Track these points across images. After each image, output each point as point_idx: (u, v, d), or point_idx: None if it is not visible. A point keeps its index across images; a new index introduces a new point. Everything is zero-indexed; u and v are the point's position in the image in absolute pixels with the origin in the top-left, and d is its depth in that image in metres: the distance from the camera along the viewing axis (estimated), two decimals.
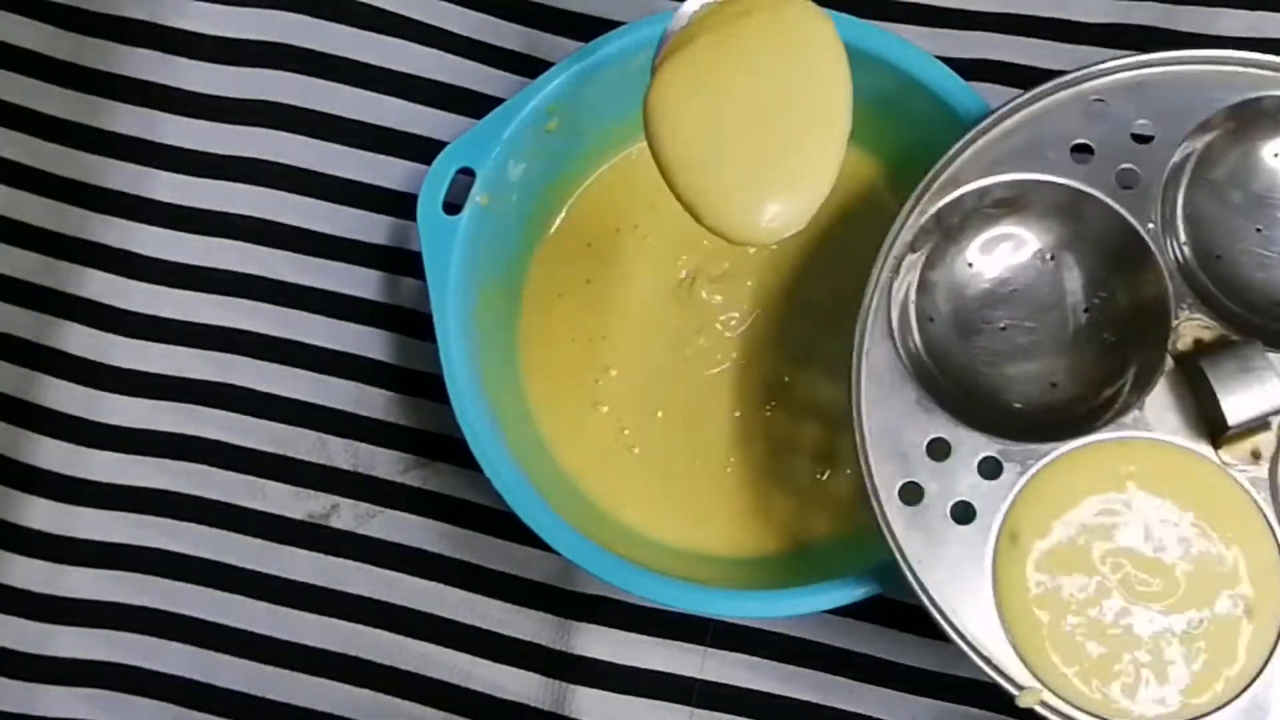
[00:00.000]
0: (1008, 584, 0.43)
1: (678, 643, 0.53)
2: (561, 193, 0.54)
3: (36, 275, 0.57)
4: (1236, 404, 0.42)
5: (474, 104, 0.56)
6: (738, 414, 0.53)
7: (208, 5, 0.57)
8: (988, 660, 0.42)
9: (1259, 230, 0.47)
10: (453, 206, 0.49)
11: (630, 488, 0.52)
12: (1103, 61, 0.46)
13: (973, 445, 0.44)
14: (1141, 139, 0.46)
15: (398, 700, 0.53)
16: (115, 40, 0.58)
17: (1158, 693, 0.42)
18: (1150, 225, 0.45)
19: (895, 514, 0.43)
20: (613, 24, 0.51)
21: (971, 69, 0.54)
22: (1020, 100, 0.46)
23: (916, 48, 0.49)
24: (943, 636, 0.43)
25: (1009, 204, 0.47)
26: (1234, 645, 0.42)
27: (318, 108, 0.57)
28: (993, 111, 0.46)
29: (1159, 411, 0.44)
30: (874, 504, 0.44)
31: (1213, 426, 0.43)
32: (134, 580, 0.54)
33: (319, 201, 0.56)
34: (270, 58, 0.57)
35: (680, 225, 0.53)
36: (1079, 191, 0.45)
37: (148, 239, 0.56)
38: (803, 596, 0.47)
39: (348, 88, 0.57)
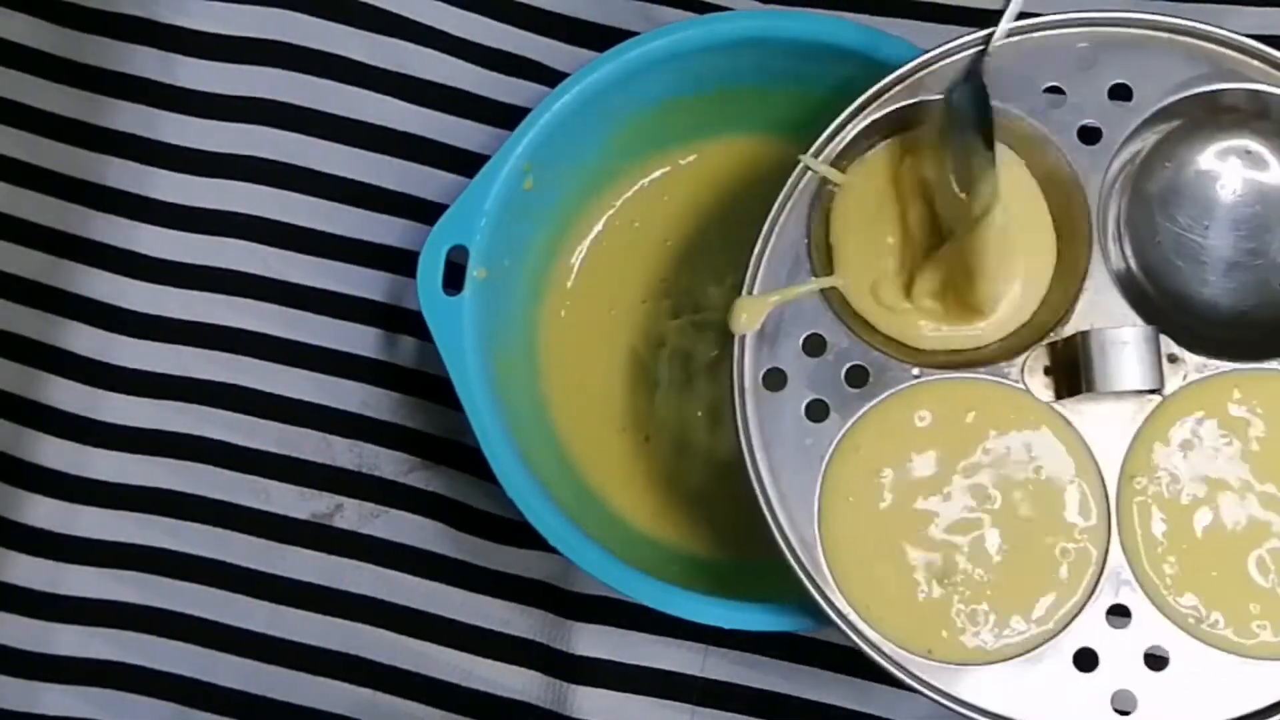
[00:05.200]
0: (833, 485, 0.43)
1: (679, 641, 0.53)
2: (555, 245, 0.55)
3: (39, 274, 0.57)
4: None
5: (475, 108, 0.57)
6: None
7: (206, 3, 0.57)
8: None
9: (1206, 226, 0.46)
10: (453, 268, 0.49)
11: (649, 495, 0.53)
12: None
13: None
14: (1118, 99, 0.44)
15: (399, 699, 0.53)
16: (114, 37, 0.58)
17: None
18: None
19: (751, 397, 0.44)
20: (622, 34, 0.51)
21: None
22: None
23: (894, 37, 0.49)
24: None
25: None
26: (1057, 592, 0.42)
27: (318, 106, 0.57)
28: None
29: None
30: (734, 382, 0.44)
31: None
32: (136, 579, 0.54)
33: (322, 201, 0.56)
34: (269, 56, 0.57)
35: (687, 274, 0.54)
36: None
37: (150, 238, 0.56)
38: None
39: (348, 87, 0.57)
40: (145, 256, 0.56)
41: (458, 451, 0.54)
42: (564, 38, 0.57)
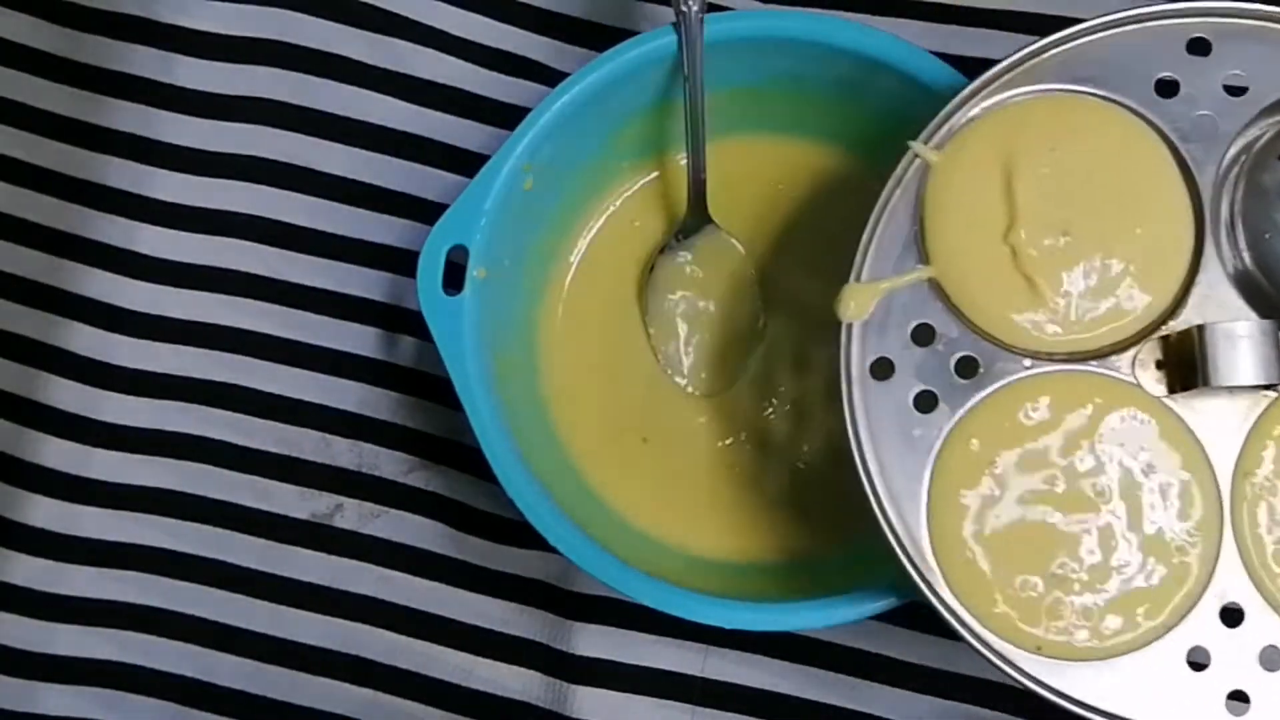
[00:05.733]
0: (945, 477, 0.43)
1: (679, 640, 0.53)
2: (555, 245, 0.55)
3: (40, 274, 0.57)
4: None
5: (475, 108, 0.57)
6: (744, 434, 0.53)
7: (206, 3, 0.57)
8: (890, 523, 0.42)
9: None
10: (453, 267, 0.49)
11: (648, 496, 0.53)
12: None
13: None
14: (1234, 90, 0.44)
15: (399, 699, 0.53)
16: (114, 37, 0.58)
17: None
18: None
19: (859, 387, 0.43)
20: (622, 34, 0.51)
21: (976, 67, 0.54)
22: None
23: (875, 30, 0.49)
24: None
25: None
26: (1168, 589, 0.42)
27: (318, 106, 0.57)
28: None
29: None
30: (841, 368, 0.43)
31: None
32: (136, 579, 0.54)
33: (322, 201, 0.56)
34: (269, 56, 0.57)
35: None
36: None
37: (150, 238, 0.56)
38: (814, 611, 0.47)
39: (348, 87, 0.57)
40: (145, 256, 0.56)
41: (458, 451, 0.54)
42: (564, 38, 0.57)
